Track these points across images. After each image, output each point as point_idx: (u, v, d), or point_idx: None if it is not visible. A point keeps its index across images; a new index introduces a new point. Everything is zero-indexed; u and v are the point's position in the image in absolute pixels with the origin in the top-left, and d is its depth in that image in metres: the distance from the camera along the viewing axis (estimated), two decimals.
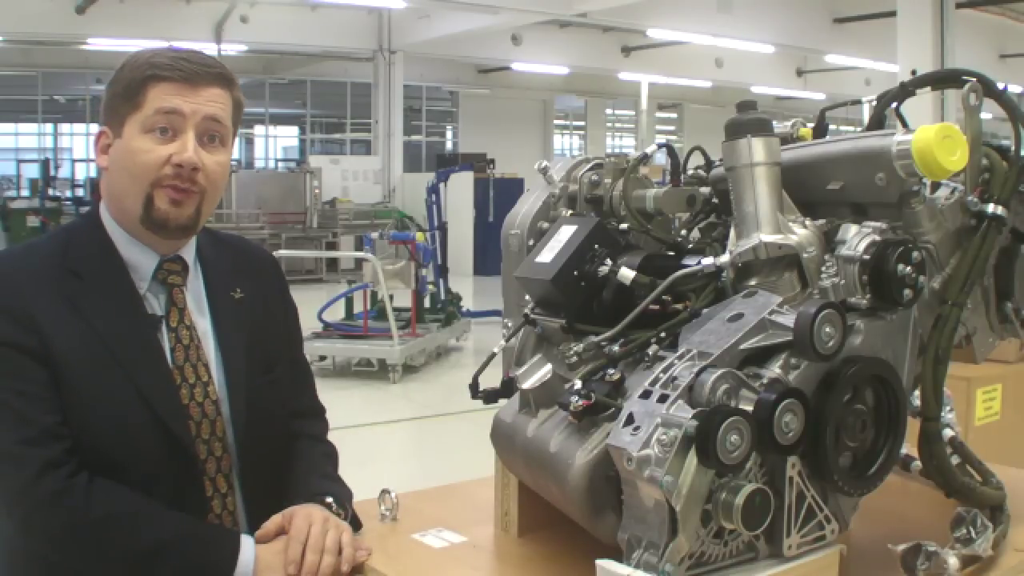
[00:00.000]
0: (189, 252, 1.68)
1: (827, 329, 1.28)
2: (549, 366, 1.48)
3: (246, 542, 1.52)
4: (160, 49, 1.61)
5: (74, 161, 21.99)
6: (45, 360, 1.49)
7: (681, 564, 1.24)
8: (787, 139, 1.66)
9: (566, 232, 1.58)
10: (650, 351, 1.40)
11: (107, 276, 1.59)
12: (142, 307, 1.61)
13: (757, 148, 1.44)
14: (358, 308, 9.73)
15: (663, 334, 1.41)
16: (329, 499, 1.62)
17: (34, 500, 1.45)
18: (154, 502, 1.51)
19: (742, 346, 1.31)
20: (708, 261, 1.46)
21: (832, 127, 1.74)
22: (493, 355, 1.64)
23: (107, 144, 1.61)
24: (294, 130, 25.61)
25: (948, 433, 1.59)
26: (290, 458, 1.74)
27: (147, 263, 1.63)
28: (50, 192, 18.49)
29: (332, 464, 1.80)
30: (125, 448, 1.52)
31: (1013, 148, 1.55)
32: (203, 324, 1.68)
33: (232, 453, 1.65)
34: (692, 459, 1.21)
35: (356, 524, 1.65)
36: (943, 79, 1.67)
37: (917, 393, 1.51)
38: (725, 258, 1.44)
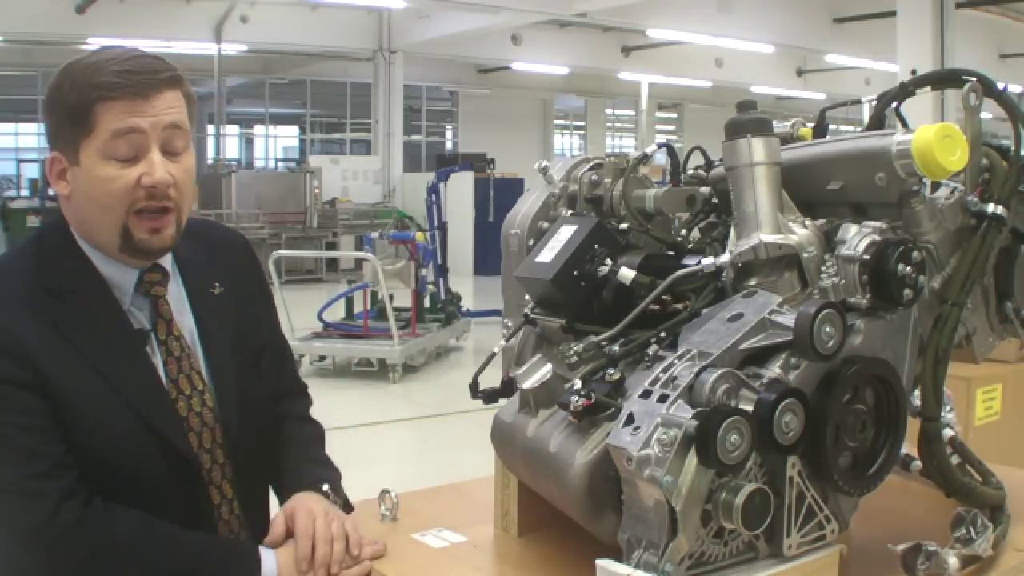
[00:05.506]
0: (166, 258, 1.63)
1: (827, 329, 1.28)
2: (549, 366, 1.48)
3: (266, 555, 1.51)
4: (97, 60, 1.48)
5: None
6: (42, 390, 1.44)
7: (681, 564, 1.24)
8: (787, 139, 1.66)
9: (566, 232, 1.58)
10: (650, 351, 1.40)
11: (88, 295, 1.53)
12: (128, 324, 1.55)
13: (757, 148, 1.44)
14: (358, 308, 9.72)
15: (663, 334, 1.41)
16: (324, 486, 1.63)
17: (55, 533, 1.41)
18: (170, 523, 1.48)
19: (742, 346, 1.31)
20: (708, 261, 1.46)
21: (832, 127, 1.74)
22: (493, 355, 1.64)
23: (62, 169, 1.51)
24: (294, 130, 25.60)
25: (948, 433, 1.59)
26: (278, 442, 1.74)
27: (127, 278, 1.56)
28: (50, 192, 18.46)
29: (320, 445, 1.79)
30: (129, 468, 1.49)
31: (1013, 148, 1.55)
32: (188, 325, 1.64)
33: (229, 454, 1.63)
34: (692, 459, 1.21)
35: (348, 507, 1.65)
36: (943, 79, 1.67)
37: (917, 393, 1.51)
38: (725, 258, 1.44)
